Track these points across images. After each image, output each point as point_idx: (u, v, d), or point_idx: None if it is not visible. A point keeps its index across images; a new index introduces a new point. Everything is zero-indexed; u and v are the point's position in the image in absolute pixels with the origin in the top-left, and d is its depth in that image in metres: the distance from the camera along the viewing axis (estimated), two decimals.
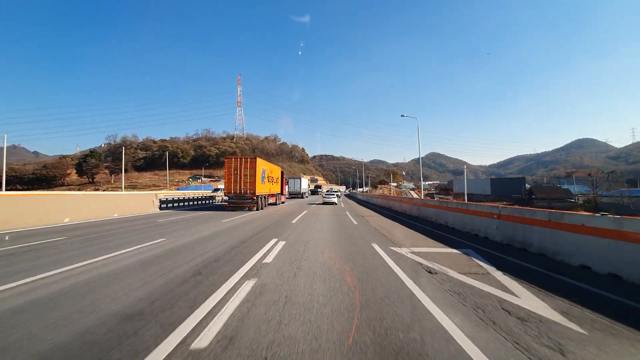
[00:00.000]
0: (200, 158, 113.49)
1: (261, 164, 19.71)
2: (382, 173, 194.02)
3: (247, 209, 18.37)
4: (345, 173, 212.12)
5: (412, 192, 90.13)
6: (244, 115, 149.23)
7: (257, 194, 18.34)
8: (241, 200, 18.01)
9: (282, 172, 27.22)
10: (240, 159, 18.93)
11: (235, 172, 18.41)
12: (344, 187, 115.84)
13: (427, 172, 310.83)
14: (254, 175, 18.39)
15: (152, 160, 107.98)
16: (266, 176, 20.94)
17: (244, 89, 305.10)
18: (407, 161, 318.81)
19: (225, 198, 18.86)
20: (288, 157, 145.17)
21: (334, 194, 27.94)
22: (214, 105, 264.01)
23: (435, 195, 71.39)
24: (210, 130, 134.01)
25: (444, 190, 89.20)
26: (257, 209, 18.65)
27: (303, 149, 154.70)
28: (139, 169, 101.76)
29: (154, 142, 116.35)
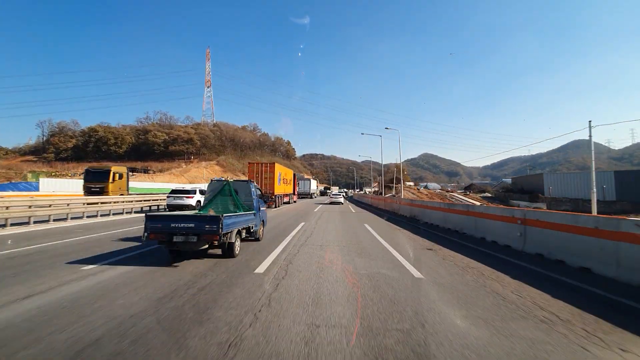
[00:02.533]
0: (143, 147, 77.03)
1: (278, 168, 21.89)
2: (377, 173, 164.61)
3: (266, 205, 19.68)
4: (337, 173, 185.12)
5: (456, 194, 58.49)
6: (214, 99, 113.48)
7: (275, 194, 20.71)
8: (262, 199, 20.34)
9: (294, 175, 29.86)
10: (261, 164, 21.63)
11: (257, 175, 20.63)
12: (337, 188, 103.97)
13: (421, 173, 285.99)
14: (272, 178, 20.63)
15: (79, 150, 71.70)
16: (282, 178, 23.06)
17: (222, 75, 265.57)
18: (399, 162, 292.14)
19: None
20: (270, 151, 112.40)
21: (340, 195, 31.09)
22: (182, 90, 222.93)
23: (523, 205, 37.90)
24: (167, 115, 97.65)
25: (520, 192, 50.03)
26: (275, 207, 20.51)
27: (289, 143, 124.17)
28: (67, 159, 65.81)
29: (96, 129, 78.61)
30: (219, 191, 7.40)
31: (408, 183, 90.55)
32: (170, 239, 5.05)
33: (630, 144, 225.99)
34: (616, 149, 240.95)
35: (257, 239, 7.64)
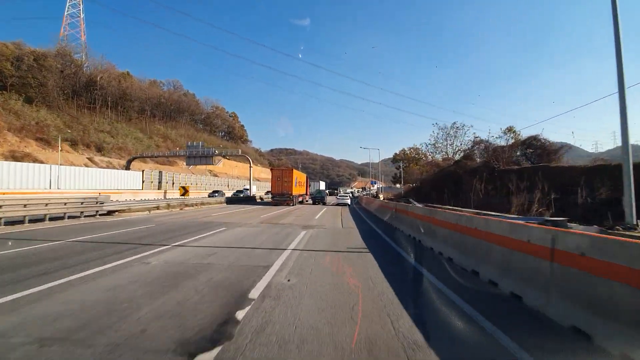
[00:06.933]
0: None
1: (295, 173, 27.23)
2: (356, 172, 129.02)
3: (285, 204, 25.27)
4: (309, 170, 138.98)
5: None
6: (86, 22, 61.72)
7: (292, 194, 25.88)
8: (282, 198, 25.54)
9: (307, 178, 36.33)
10: (283, 170, 27.41)
11: (279, 179, 25.92)
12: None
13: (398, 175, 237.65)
14: (290, 181, 25.76)
15: None
16: (297, 181, 28.03)
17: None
18: (377, 161, 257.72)
19: (270, 196, 28.16)
20: (204, 125, 64.78)
21: (346, 196, 33.48)
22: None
23: None
24: None
25: None
26: (292, 205, 25.59)
27: (235, 116, 76.60)
28: None
29: None
30: (317, 191, 33.49)
31: None
32: (315, 199, 31.37)
33: (614, 146, 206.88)
34: (597, 152, 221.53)
35: (326, 203, 30.47)
